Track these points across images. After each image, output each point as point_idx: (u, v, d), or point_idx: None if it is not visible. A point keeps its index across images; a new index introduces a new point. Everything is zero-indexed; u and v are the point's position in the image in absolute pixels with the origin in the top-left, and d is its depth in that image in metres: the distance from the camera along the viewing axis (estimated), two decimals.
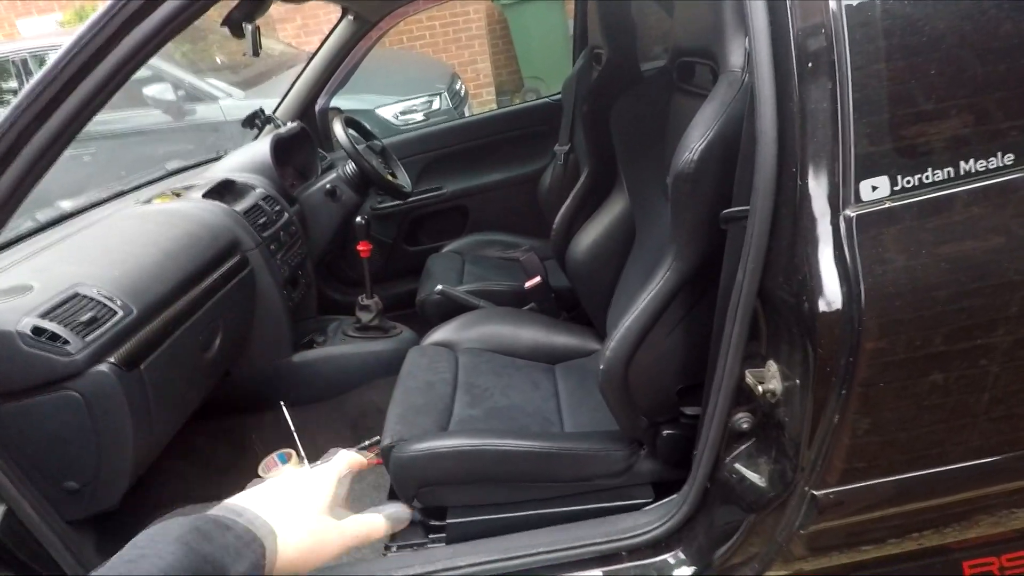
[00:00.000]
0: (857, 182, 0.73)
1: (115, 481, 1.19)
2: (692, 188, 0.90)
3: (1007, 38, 0.71)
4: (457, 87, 4.56)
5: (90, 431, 1.10)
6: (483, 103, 6.00)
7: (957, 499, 0.90)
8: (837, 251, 0.73)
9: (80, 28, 0.91)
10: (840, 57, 0.71)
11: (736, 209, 0.87)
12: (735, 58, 0.93)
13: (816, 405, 0.79)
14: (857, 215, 0.73)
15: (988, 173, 0.72)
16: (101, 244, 1.39)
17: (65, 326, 1.07)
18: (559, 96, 2.46)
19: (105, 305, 1.15)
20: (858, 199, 0.73)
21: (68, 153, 1.03)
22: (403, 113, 4.06)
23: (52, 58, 0.90)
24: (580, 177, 1.89)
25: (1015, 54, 0.71)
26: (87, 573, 0.85)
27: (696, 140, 0.88)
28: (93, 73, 0.95)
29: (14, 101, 0.92)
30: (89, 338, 1.09)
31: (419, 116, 4.08)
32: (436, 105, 4.14)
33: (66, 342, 1.06)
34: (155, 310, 1.25)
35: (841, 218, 0.73)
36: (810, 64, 0.72)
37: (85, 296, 1.14)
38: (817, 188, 0.74)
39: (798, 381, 0.83)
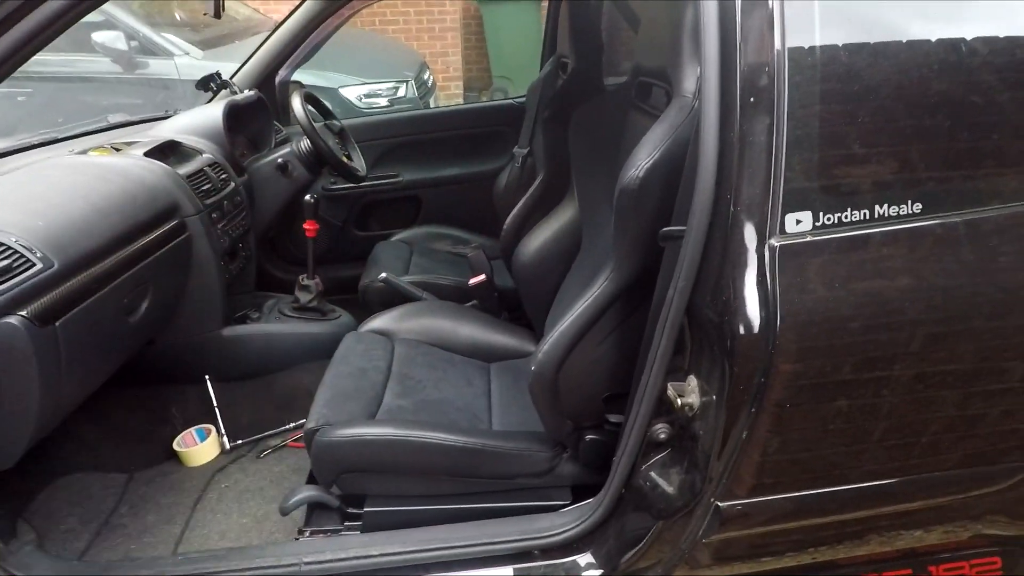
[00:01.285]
0: (783, 214, 0.77)
1: (13, 440, 1.12)
2: (635, 204, 0.93)
3: (936, 96, 0.77)
4: (425, 77, 4.52)
5: None
6: (450, 96, 5.97)
7: (852, 518, 0.96)
8: (760, 277, 0.78)
9: None
10: (780, 95, 0.75)
11: (674, 228, 0.91)
12: (688, 84, 0.97)
13: (728, 421, 0.84)
14: (780, 245, 0.78)
15: (899, 218, 0.79)
16: (26, 190, 1.31)
17: None
18: (523, 98, 2.48)
19: (23, 255, 1.09)
20: (783, 230, 0.78)
21: (0, 90, 0.98)
22: (367, 96, 3.99)
23: None
24: (535, 180, 1.91)
25: (940, 112, 0.78)
26: None
27: (643, 158, 0.91)
28: (39, 8, 0.90)
29: None
30: (1, 287, 1.03)
31: (383, 101, 4.02)
32: (402, 92, 4.09)
33: None
34: (79, 266, 1.19)
35: (766, 246, 0.78)
36: (752, 98, 0.77)
37: (1, 244, 1.08)
38: (747, 216, 0.78)
39: (714, 397, 0.87)
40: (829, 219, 0.78)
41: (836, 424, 0.89)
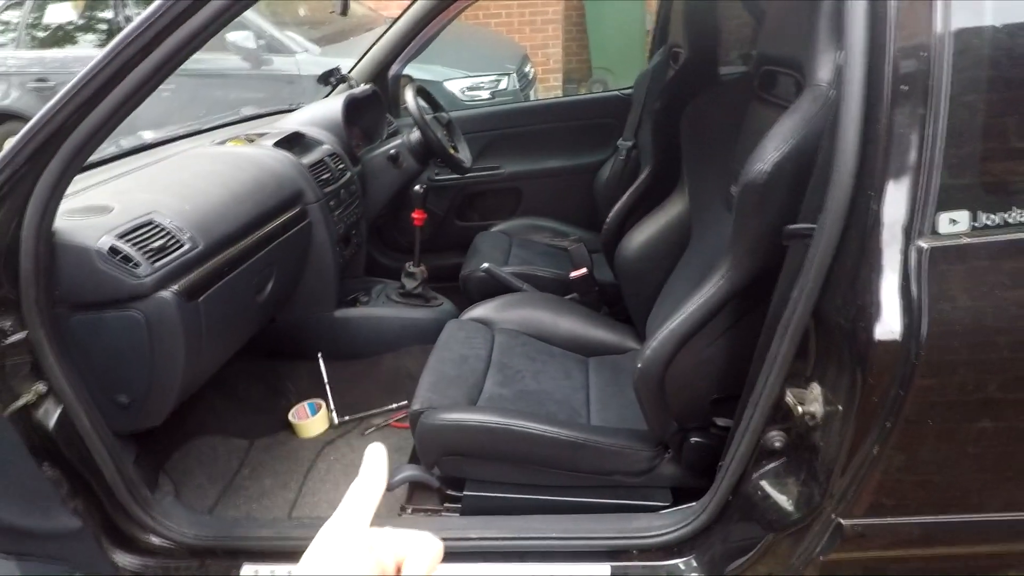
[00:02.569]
0: (936, 213, 0.71)
1: (162, 401, 1.26)
2: (760, 199, 0.89)
3: None
4: (526, 70, 4.54)
5: (146, 352, 1.17)
6: (549, 88, 5.96)
7: (985, 551, 0.87)
8: (904, 281, 0.72)
9: None
10: (937, 83, 0.69)
11: (802, 226, 0.86)
12: (823, 72, 0.91)
13: (856, 434, 0.78)
14: (931, 247, 0.71)
15: None
16: (176, 177, 1.46)
17: (138, 250, 1.13)
18: (630, 90, 2.43)
19: (175, 236, 1.21)
20: (934, 231, 0.71)
21: None
22: (470, 89, 4.07)
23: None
24: (640, 174, 1.87)
25: None
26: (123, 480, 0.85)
27: (771, 151, 0.86)
28: (195, 16, 0.99)
29: (123, 31, 0.97)
30: (157, 264, 1.15)
31: (485, 94, 4.08)
32: (503, 85, 4.13)
33: (137, 265, 1.12)
34: (218, 247, 1.31)
35: (913, 248, 0.72)
36: (905, 86, 0.70)
37: (159, 224, 1.21)
38: (892, 215, 0.72)
39: (840, 407, 0.81)
40: (991, 219, 0.70)
41: (978, 447, 0.81)
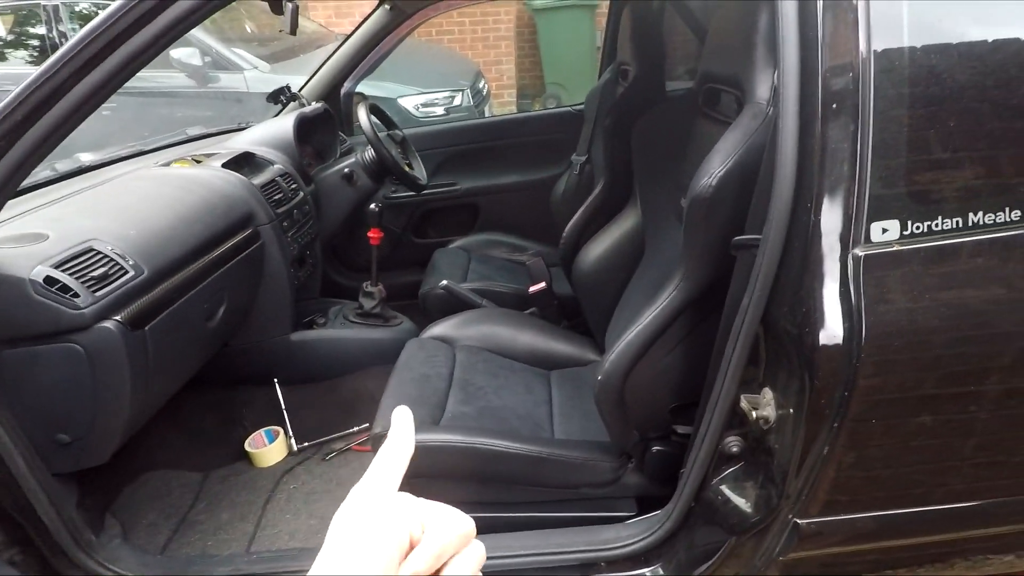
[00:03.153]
0: (868, 223, 0.75)
1: (106, 438, 1.20)
2: (707, 212, 0.92)
3: None
4: (480, 85, 4.58)
5: (89, 386, 1.11)
6: (504, 104, 6.03)
7: (934, 540, 0.92)
8: (843, 288, 0.75)
9: None
10: (865, 100, 0.73)
11: (748, 237, 0.89)
12: (762, 90, 0.95)
13: (807, 435, 0.81)
14: (865, 255, 0.75)
15: (995, 227, 0.74)
16: (118, 201, 1.40)
17: (77, 279, 1.09)
18: (581, 106, 2.48)
19: (117, 263, 1.16)
20: (868, 239, 0.75)
21: None
22: (424, 105, 4.08)
23: (104, 12, 0.92)
24: (593, 187, 1.91)
25: None
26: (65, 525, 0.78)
27: (716, 166, 0.90)
28: (139, 34, 0.97)
29: (57, 53, 0.94)
30: (99, 293, 1.10)
31: (440, 110, 4.10)
32: (458, 101, 4.16)
33: (76, 295, 1.07)
34: (165, 274, 1.26)
35: (850, 256, 0.75)
36: (835, 104, 0.74)
37: (99, 252, 1.16)
38: (829, 225, 0.76)
39: (792, 410, 0.84)
40: (918, 227, 0.74)
41: (921, 441, 0.85)
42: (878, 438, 0.82)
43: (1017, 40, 0.74)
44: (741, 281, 0.92)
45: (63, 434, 1.18)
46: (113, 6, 0.92)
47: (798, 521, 0.86)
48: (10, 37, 4.36)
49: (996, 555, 0.97)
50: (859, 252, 0.75)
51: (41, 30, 4.19)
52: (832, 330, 0.75)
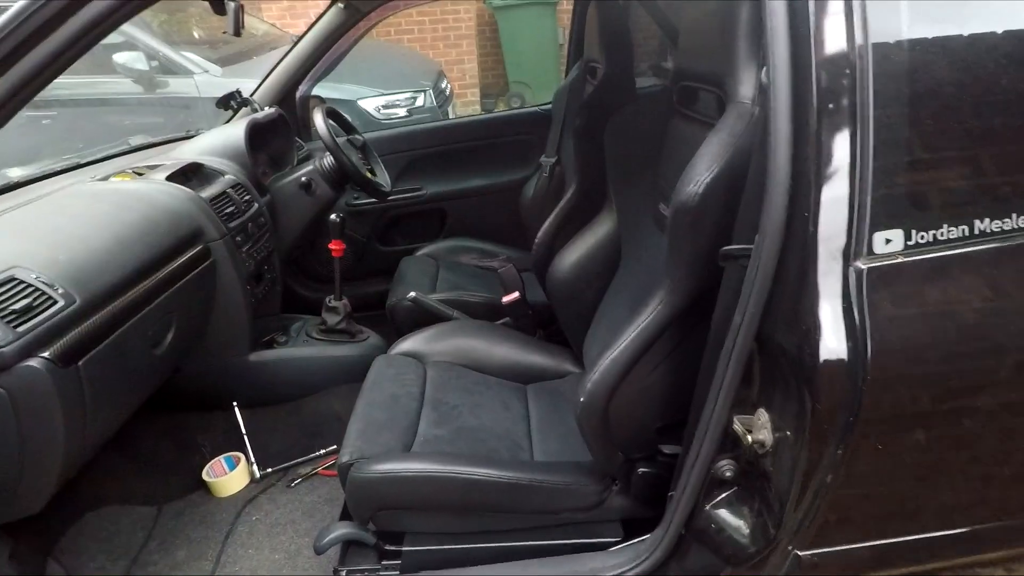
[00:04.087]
0: (871, 233, 0.69)
1: (38, 486, 1.08)
2: (693, 222, 0.85)
3: None
4: (443, 85, 4.48)
5: (13, 432, 0.99)
6: (467, 103, 5.93)
7: (933, 568, 0.87)
8: (845, 304, 0.70)
9: None
10: (864, 99, 0.67)
11: (737, 247, 0.83)
12: (745, 89, 0.89)
13: (809, 461, 0.75)
14: (868, 267, 0.69)
15: (1004, 234, 0.70)
16: (47, 222, 1.27)
17: None
18: (548, 106, 2.41)
19: (44, 292, 1.04)
20: (871, 251, 0.69)
21: (24, 114, 0.93)
22: (385, 107, 3.96)
23: (12, 8, 0.80)
24: (565, 190, 1.84)
25: None
26: None
27: (702, 172, 0.83)
28: (60, 30, 0.86)
29: None
30: (21, 328, 0.98)
31: (402, 112, 3.98)
32: (420, 102, 4.05)
33: None
34: (101, 301, 1.14)
35: (852, 269, 0.70)
36: (831, 104, 0.69)
37: (22, 281, 1.04)
38: (828, 236, 0.70)
39: (790, 433, 0.79)
40: (923, 237, 0.69)
41: (931, 463, 0.80)
42: (885, 463, 0.76)
43: None
44: (730, 294, 0.85)
45: None
46: (16, 6, 0.81)
47: (799, 553, 0.81)
48: None
49: None
50: (861, 265, 0.69)
51: None
52: (835, 349, 0.69)
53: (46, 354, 1.00)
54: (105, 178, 1.60)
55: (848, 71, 0.67)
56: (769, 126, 0.72)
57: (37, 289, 1.04)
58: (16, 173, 1.63)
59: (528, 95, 5.69)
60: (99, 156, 1.84)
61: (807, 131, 0.69)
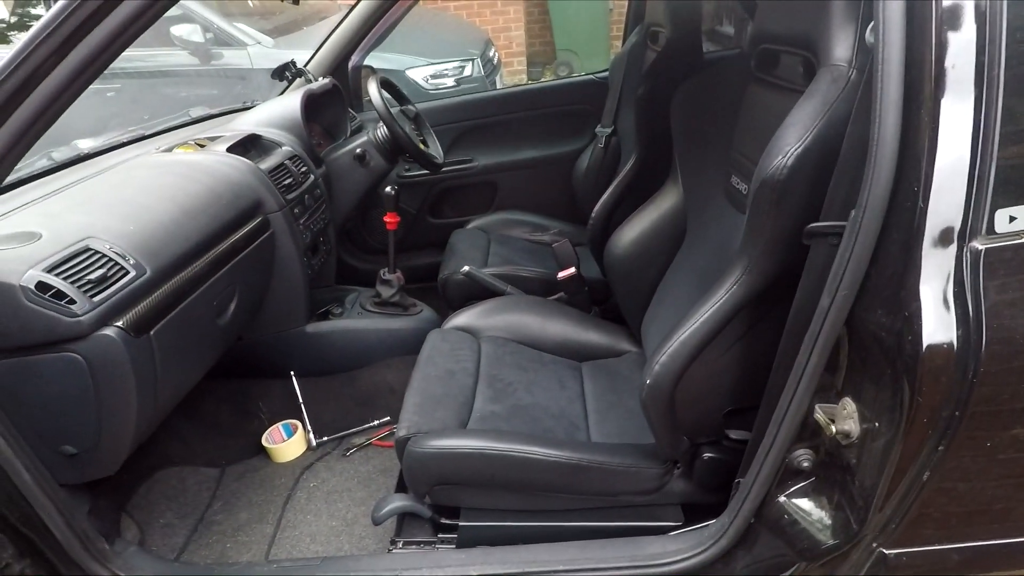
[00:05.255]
0: (992, 210, 0.62)
1: (114, 449, 1.12)
2: (780, 197, 0.79)
3: None
4: (491, 54, 4.40)
5: (92, 397, 1.03)
6: (513, 72, 5.82)
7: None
8: (957, 288, 0.63)
9: None
10: (992, 59, 0.60)
11: (827, 224, 0.77)
12: (841, 50, 0.82)
13: (904, 457, 0.70)
14: (987, 247, 0.63)
15: None
16: (117, 194, 1.30)
17: (72, 283, 0.99)
18: (605, 74, 2.33)
19: (117, 263, 1.06)
20: (991, 230, 0.62)
21: (91, 87, 0.94)
22: (434, 77, 3.92)
23: None
24: (622, 163, 1.77)
25: None
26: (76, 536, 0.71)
27: (791, 143, 0.77)
28: (123, 4, 0.85)
29: (31, 31, 0.83)
30: (97, 298, 1.01)
31: (450, 81, 3.94)
32: (468, 71, 3.99)
33: (72, 301, 0.98)
34: (170, 272, 1.16)
35: (967, 249, 0.63)
36: (952, 65, 0.61)
37: (96, 251, 1.06)
38: (941, 212, 0.63)
39: (878, 425, 0.73)
40: None
41: (1013, 455, 0.73)
42: (985, 461, 0.70)
43: None
44: (815, 275, 0.80)
45: (68, 446, 1.10)
46: None
47: (885, 551, 0.76)
48: (12, 19, 4.24)
49: None
50: (978, 245, 0.62)
51: (41, 10, 4.06)
52: (943, 338, 0.63)
53: (120, 323, 1.02)
54: (169, 149, 1.62)
55: (978, 25, 0.59)
56: (875, 90, 0.65)
57: (111, 260, 1.06)
58: (86, 144, 1.67)
59: (576, 63, 5.53)
60: (162, 128, 1.87)
61: (921, 96, 0.63)
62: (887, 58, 0.64)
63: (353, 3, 2.13)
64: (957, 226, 0.63)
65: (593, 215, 1.71)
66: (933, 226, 0.63)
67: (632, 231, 1.43)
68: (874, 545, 0.77)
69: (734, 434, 1.04)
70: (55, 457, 1.10)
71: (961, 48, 0.60)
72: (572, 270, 1.67)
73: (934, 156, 0.62)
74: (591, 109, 2.27)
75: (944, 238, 0.63)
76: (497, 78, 4.40)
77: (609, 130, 2.05)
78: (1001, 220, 0.62)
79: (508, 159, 2.41)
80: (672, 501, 1.14)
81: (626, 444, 1.17)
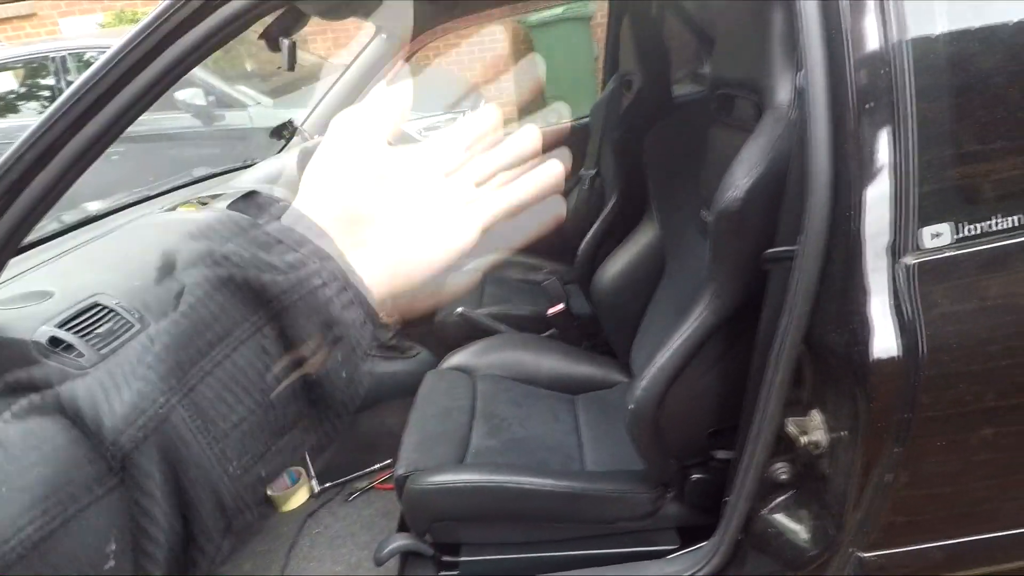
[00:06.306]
0: (918, 228, 0.69)
1: None
2: (736, 226, 0.86)
3: None
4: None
5: None
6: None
7: (1013, 567, 0.84)
8: (895, 300, 0.69)
9: (126, 34, 0.90)
10: (902, 94, 0.67)
11: (781, 249, 0.83)
12: (782, 94, 0.90)
13: (866, 461, 0.74)
14: (918, 263, 0.69)
15: None
16: (123, 252, 1.38)
17: (81, 337, 1.05)
18: (586, 119, 2.44)
19: (123, 317, 1.13)
20: (918, 246, 0.69)
21: None
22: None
23: (95, 64, 0.89)
24: (605, 202, 1.85)
25: None
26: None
27: (742, 177, 0.84)
28: (135, 81, 0.94)
29: (52, 106, 0.91)
30: (104, 351, 1.07)
31: None
32: None
33: (80, 354, 1.04)
34: None
35: (899, 266, 0.69)
36: (870, 103, 0.69)
37: (104, 306, 1.13)
38: (874, 233, 0.70)
39: (845, 433, 0.78)
40: (973, 229, 0.68)
41: (987, 457, 0.78)
42: (941, 457, 0.75)
43: None
44: (776, 296, 0.86)
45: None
46: (102, 59, 0.90)
47: (861, 555, 0.79)
48: (22, 89, 4.44)
49: None
50: (910, 260, 0.69)
51: (51, 80, 4.26)
52: (887, 347, 0.69)
53: None
54: (173, 208, 1.71)
55: (885, 69, 0.67)
56: (807, 128, 0.73)
57: (117, 314, 1.12)
58: (94, 207, 1.76)
59: (566, 110, 5.74)
60: (166, 188, 1.96)
61: (846, 131, 0.70)
62: (814, 100, 0.72)
63: (347, 64, 2.26)
64: (889, 245, 0.69)
65: (579, 253, 1.78)
66: (868, 246, 0.70)
67: (615, 266, 1.49)
68: (851, 550, 0.80)
69: (720, 454, 1.08)
70: None
71: (875, 88, 0.68)
72: (561, 306, 1.73)
73: (862, 183, 0.69)
74: (575, 152, 2.37)
75: (879, 256, 0.69)
76: None
77: (592, 172, 2.15)
78: (927, 237, 0.68)
79: None
80: (667, 525, 1.17)
81: (618, 471, 1.20)
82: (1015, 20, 0.68)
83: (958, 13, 0.68)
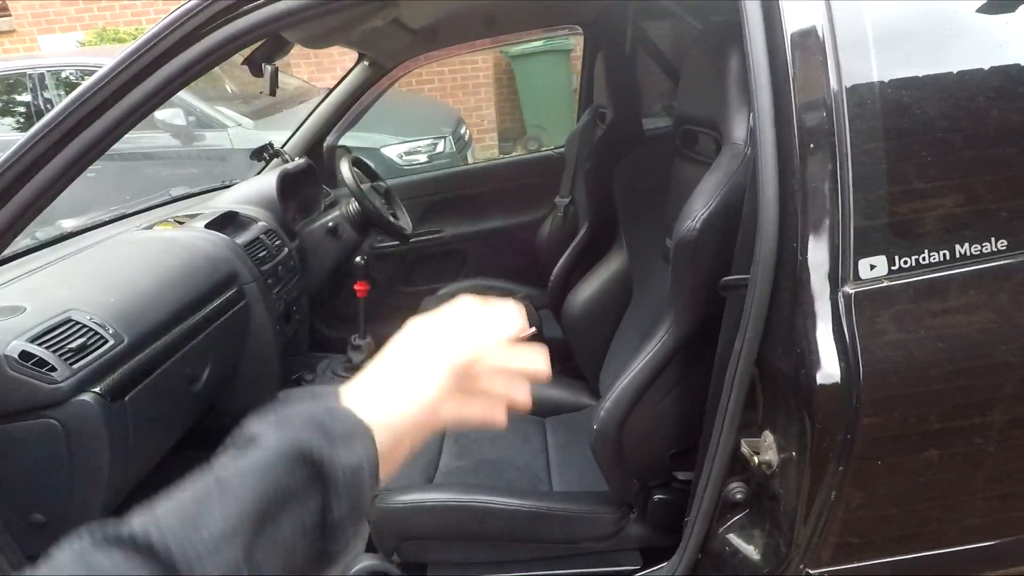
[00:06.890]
0: (856, 260, 0.74)
1: (84, 516, 1.14)
2: (693, 255, 0.91)
3: (994, 124, 0.75)
4: (462, 132, 4.65)
5: (65, 462, 1.07)
6: (486, 148, 6.12)
7: None
8: (836, 327, 0.74)
9: (114, 58, 0.93)
10: (841, 137, 0.73)
11: (736, 277, 0.88)
12: (738, 131, 0.96)
13: (812, 480, 0.78)
14: (856, 292, 0.74)
15: (982, 257, 0.74)
16: (98, 268, 1.38)
17: (54, 352, 1.06)
18: (562, 149, 2.52)
19: (97, 332, 1.13)
20: (856, 277, 0.74)
21: None
22: (407, 154, 4.12)
23: (82, 85, 0.92)
24: (579, 230, 1.91)
25: (1003, 141, 0.74)
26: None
27: (699, 208, 0.90)
28: (118, 104, 0.97)
29: (36, 125, 0.93)
30: (76, 366, 1.07)
31: (423, 157, 4.14)
32: (440, 148, 4.21)
33: (53, 368, 1.04)
34: (146, 340, 1.23)
35: (840, 294, 0.74)
36: (812, 144, 0.75)
37: (77, 322, 1.13)
38: (817, 264, 0.75)
39: (794, 453, 0.82)
40: (906, 262, 0.74)
41: (929, 478, 0.83)
42: (886, 478, 0.79)
43: (981, 71, 0.75)
44: (732, 322, 0.90)
45: (38, 514, 1.13)
46: (88, 81, 0.92)
47: (810, 572, 0.83)
48: None
49: None
50: (849, 290, 0.74)
51: (27, 97, 4.24)
52: (829, 370, 0.74)
53: (97, 389, 1.08)
54: (150, 227, 1.72)
55: (826, 113, 0.73)
56: (757, 165, 0.78)
57: (91, 329, 1.13)
58: (69, 224, 1.75)
59: (545, 138, 5.86)
60: (143, 207, 1.97)
61: (791, 168, 0.76)
62: (763, 140, 0.77)
63: (330, 88, 2.30)
64: (830, 275, 0.74)
65: (552, 278, 1.83)
66: (812, 276, 0.75)
67: (585, 292, 1.54)
68: (801, 567, 0.84)
69: (681, 475, 1.11)
70: (24, 526, 1.12)
71: (817, 131, 0.74)
72: (532, 330, 1.76)
73: (806, 217, 0.75)
74: (551, 181, 2.44)
75: (821, 285, 0.75)
76: (468, 153, 4.64)
77: (567, 200, 2.21)
78: (864, 268, 0.74)
79: (475, 229, 2.55)
80: (631, 546, 1.19)
81: (583, 492, 1.23)
82: (942, 71, 0.75)
83: (891, 64, 0.74)
